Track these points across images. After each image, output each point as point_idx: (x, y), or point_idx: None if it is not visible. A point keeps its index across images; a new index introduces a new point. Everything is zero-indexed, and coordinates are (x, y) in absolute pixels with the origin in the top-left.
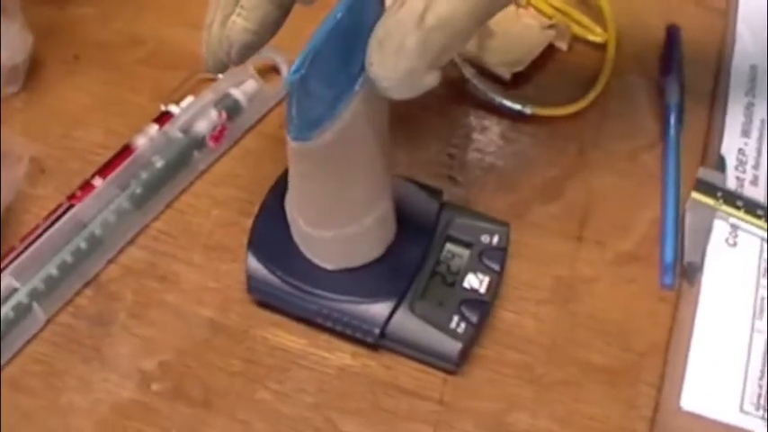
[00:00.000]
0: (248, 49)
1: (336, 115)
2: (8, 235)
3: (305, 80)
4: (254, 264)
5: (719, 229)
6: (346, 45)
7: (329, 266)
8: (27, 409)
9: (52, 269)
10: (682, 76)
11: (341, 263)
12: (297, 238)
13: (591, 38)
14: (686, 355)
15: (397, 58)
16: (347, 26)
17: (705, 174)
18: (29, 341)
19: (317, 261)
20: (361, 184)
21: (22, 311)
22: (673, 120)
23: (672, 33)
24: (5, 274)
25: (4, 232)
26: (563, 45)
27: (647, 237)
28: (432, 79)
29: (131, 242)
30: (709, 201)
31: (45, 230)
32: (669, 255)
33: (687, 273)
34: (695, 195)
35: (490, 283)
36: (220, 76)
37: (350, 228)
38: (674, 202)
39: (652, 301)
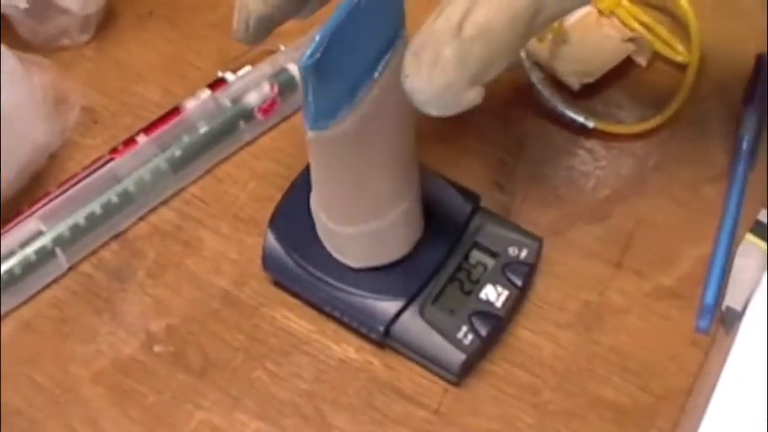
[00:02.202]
0: (266, 22)
1: (355, 103)
2: (49, 180)
3: (320, 65)
4: (272, 241)
5: None
6: (365, 28)
7: (354, 264)
8: (32, 350)
9: (80, 218)
10: (763, 109)
11: (367, 261)
12: (322, 236)
13: (673, 57)
14: (705, 408)
15: (433, 71)
16: (366, 8)
17: (766, 217)
18: (48, 285)
19: (342, 259)
20: (383, 176)
21: (45, 256)
22: (744, 154)
23: (760, 62)
24: (35, 217)
25: (46, 177)
26: (642, 61)
27: (692, 275)
28: (473, 96)
29: (164, 203)
30: (765, 245)
31: (81, 180)
32: (711, 297)
33: (725, 319)
34: (750, 237)
35: (508, 297)
36: (282, 48)
37: (374, 223)
38: (727, 242)
39: (682, 344)
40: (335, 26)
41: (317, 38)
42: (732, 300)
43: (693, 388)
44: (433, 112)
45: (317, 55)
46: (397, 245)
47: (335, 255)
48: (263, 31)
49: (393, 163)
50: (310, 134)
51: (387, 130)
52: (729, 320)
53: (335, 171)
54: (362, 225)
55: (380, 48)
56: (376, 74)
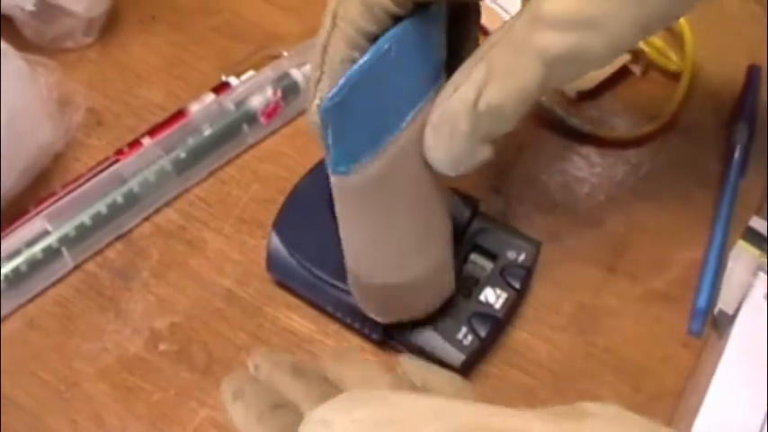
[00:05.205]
0: None
1: (380, 149)
2: (53, 179)
3: (341, 109)
4: (275, 243)
5: (762, 282)
6: (395, 77)
7: (384, 321)
8: (37, 347)
9: (86, 218)
10: (754, 120)
11: (391, 316)
12: (357, 295)
13: (667, 66)
14: (697, 409)
15: (451, 143)
16: (397, 58)
17: (757, 223)
18: (54, 283)
19: (375, 317)
20: (406, 226)
21: (51, 254)
22: (736, 162)
23: (752, 73)
24: (41, 216)
25: (51, 176)
26: (637, 69)
27: (683, 279)
28: (485, 153)
29: (168, 204)
30: (756, 251)
31: (87, 181)
32: (703, 300)
33: (717, 322)
34: (742, 244)
35: (507, 299)
36: (284, 53)
37: (404, 275)
38: (718, 248)
39: (675, 346)
40: (360, 71)
41: (341, 81)
42: (724, 303)
43: (685, 389)
44: (452, 173)
45: (338, 99)
46: (423, 301)
47: (371, 314)
48: None
49: (417, 213)
50: (333, 179)
51: (413, 179)
52: (722, 324)
53: (357, 218)
54: (386, 278)
55: (412, 98)
56: (404, 123)
